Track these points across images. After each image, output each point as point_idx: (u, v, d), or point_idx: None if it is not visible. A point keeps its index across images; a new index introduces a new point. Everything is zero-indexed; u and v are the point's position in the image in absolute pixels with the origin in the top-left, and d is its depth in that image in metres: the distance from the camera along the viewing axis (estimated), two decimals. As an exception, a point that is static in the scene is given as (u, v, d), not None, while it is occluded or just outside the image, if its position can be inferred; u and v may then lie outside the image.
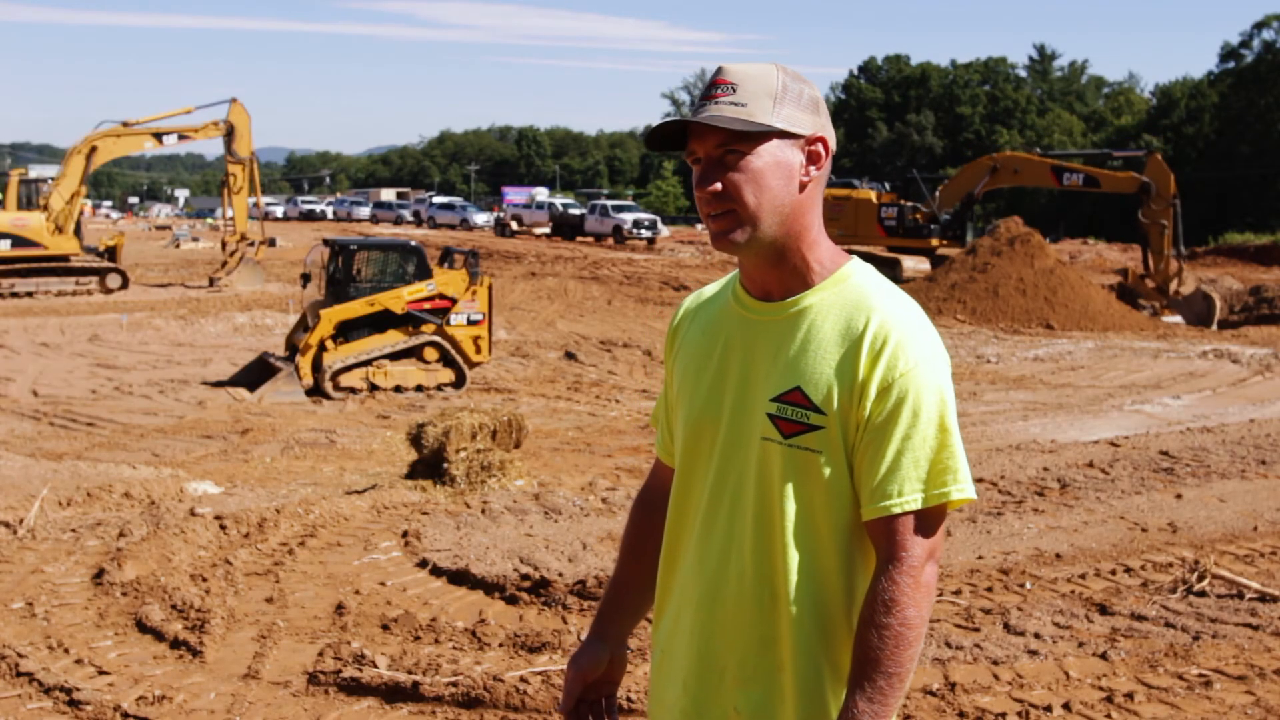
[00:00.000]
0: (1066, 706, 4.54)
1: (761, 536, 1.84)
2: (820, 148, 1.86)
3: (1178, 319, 23.07)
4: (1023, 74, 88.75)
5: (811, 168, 1.85)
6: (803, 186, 1.84)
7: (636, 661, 4.79)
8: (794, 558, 1.82)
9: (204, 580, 6.06)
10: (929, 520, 1.79)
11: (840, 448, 1.80)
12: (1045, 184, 27.53)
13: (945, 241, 28.20)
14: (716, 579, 1.89)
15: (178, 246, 43.15)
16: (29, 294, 24.79)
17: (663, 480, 2.14)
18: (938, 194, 28.27)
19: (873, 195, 29.44)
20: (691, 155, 1.85)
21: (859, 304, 1.83)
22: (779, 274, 1.88)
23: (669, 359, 2.07)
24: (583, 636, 5.12)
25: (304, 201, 79.27)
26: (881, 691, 1.74)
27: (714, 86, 1.82)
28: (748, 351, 1.90)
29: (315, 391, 13.97)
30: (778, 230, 1.83)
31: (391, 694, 4.62)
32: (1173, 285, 23.59)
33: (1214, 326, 22.21)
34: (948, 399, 1.81)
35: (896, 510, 1.77)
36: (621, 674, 2.17)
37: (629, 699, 4.41)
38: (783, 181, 1.82)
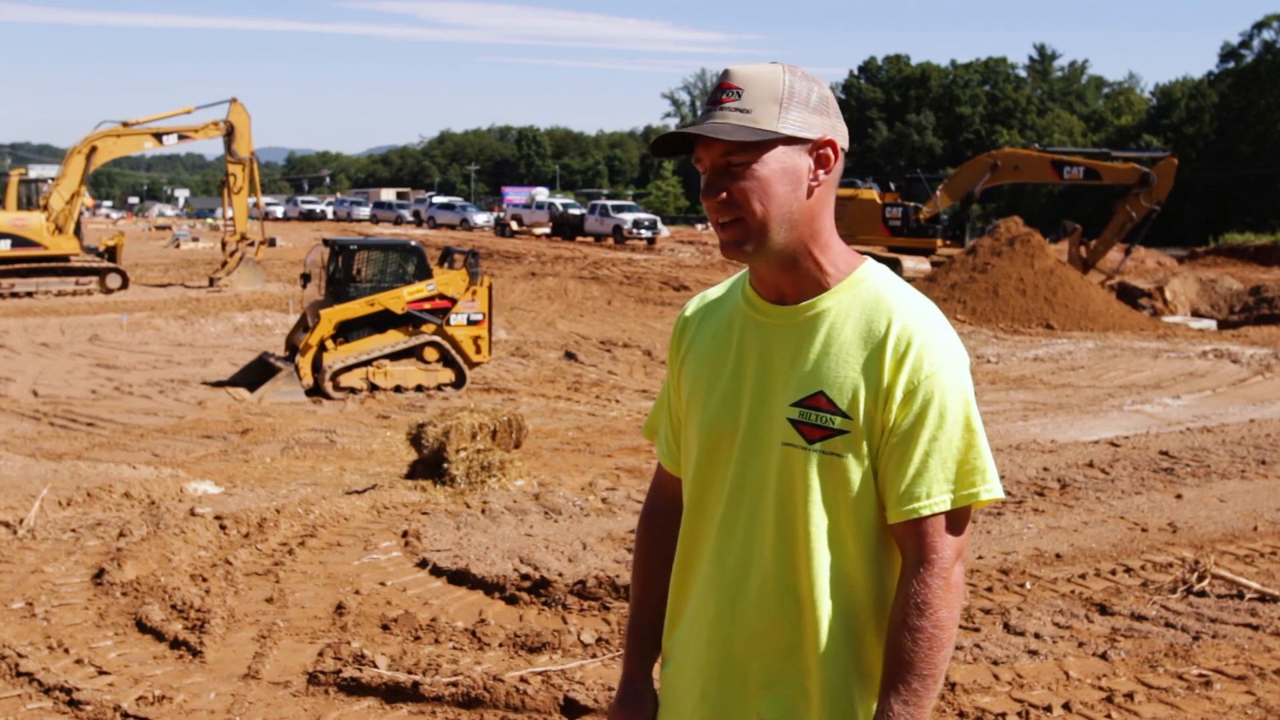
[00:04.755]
0: (1066, 706, 4.54)
1: (783, 542, 1.82)
2: (829, 150, 1.81)
3: (1180, 318, 23.11)
4: (1023, 74, 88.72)
5: (820, 171, 1.81)
6: (811, 191, 1.80)
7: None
8: (819, 562, 1.80)
9: (204, 580, 6.06)
10: (957, 521, 1.78)
11: (864, 451, 1.78)
12: (1046, 179, 27.58)
13: (946, 242, 28.23)
14: (736, 586, 1.86)
15: (178, 246, 43.18)
16: (29, 294, 24.80)
17: (668, 490, 2.09)
18: (938, 193, 28.28)
19: (876, 195, 29.45)
20: (698, 161, 1.82)
21: (878, 306, 1.81)
22: (793, 278, 1.85)
23: (674, 364, 2.02)
24: (582, 638, 5.14)
25: (304, 201, 79.27)
26: (916, 694, 1.73)
27: (720, 91, 1.78)
28: (764, 355, 1.86)
29: (315, 391, 13.98)
30: (787, 236, 1.80)
31: (391, 694, 4.62)
32: (1099, 275, 24.27)
33: None
34: (971, 399, 1.80)
35: (925, 512, 1.75)
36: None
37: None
38: (790, 188, 1.78)
